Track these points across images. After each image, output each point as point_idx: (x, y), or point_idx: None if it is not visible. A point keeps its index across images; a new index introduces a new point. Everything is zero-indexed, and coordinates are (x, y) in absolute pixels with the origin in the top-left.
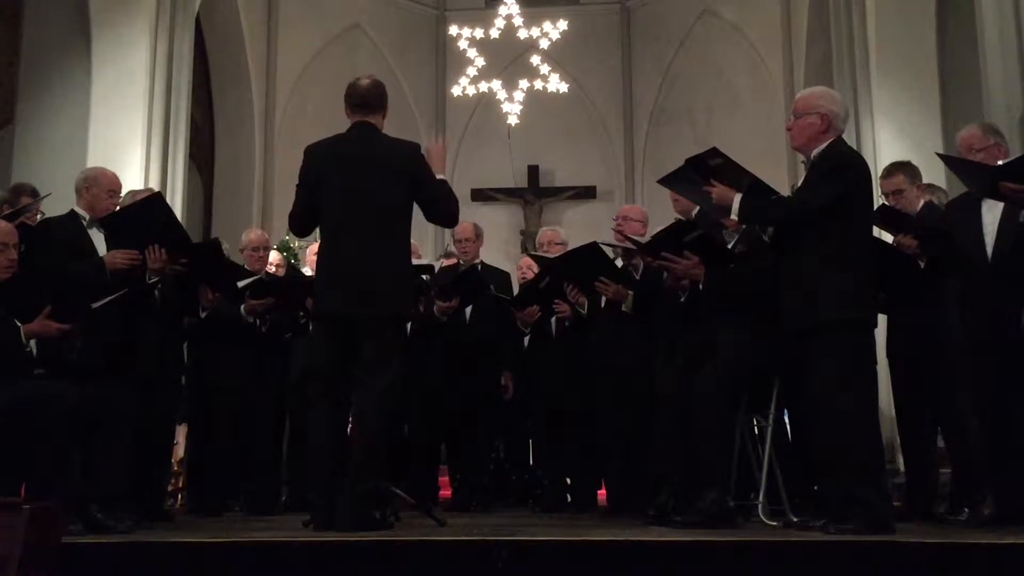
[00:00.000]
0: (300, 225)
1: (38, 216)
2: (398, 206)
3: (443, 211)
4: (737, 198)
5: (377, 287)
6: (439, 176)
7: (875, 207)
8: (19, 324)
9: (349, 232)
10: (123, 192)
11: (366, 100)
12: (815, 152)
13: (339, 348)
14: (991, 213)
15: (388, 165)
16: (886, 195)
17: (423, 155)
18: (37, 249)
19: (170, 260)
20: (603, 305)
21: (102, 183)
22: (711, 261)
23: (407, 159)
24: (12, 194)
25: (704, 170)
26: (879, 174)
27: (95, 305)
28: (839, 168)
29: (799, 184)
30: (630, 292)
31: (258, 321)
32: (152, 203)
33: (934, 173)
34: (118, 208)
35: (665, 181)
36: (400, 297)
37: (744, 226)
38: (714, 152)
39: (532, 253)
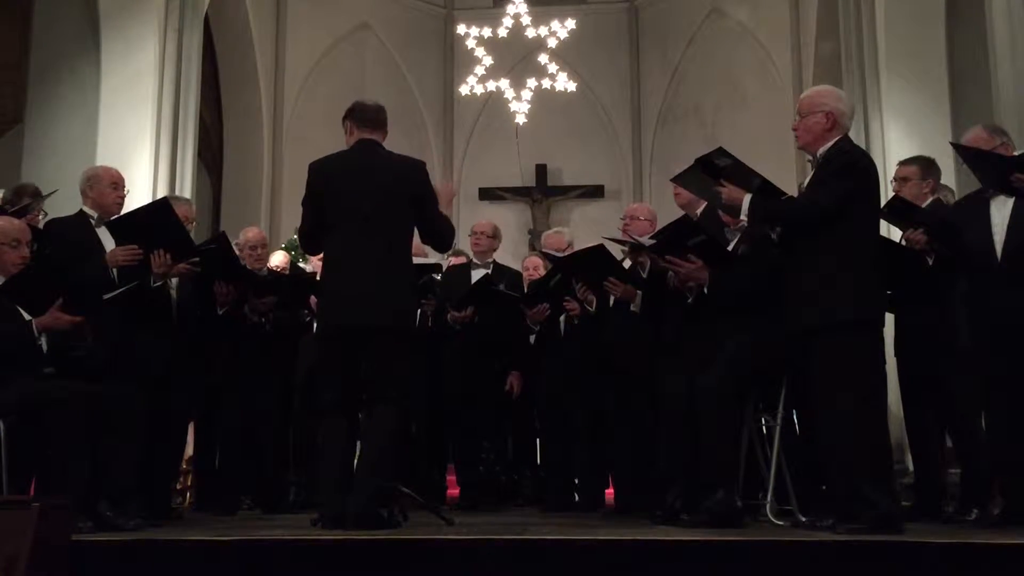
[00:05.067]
0: (310, 243)
1: (40, 216)
2: (401, 221)
3: (439, 234)
4: (746, 199)
5: (381, 299)
6: (442, 210)
7: (883, 205)
8: (30, 318)
9: (352, 246)
10: (129, 188)
11: (372, 117)
12: (821, 151)
13: (347, 358)
14: (1000, 212)
15: (391, 180)
16: (894, 181)
17: (427, 174)
18: (46, 249)
19: (175, 265)
20: (611, 304)
21: (103, 178)
22: (715, 264)
23: (410, 175)
24: (14, 195)
25: (713, 170)
26: (888, 172)
27: (107, 296)
28: (847, 167)
29: (807, 183)
30: (639, 292)
31: (263, 320)
32: (158, 209)
33: (944, 171)
34: (125, 212)
35: (677, 179)
36: (404, 309)
37: (745, 225)
38: (721, 152)
39: (543, 250)
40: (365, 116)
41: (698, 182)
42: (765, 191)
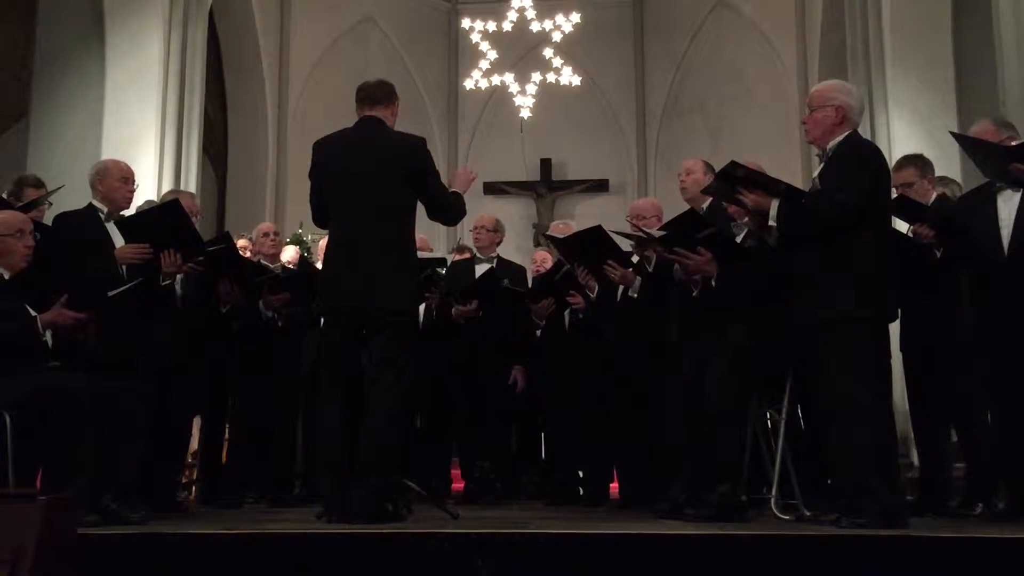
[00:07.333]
0: (316, 217)
1: (45, 206)
2: (399, 197)
3: (444, 210)
4: (774, 204)
5: (379, 279)
6: (455, 189)
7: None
8: (35, 314)
9: (350, 224)
10: (137, 182)
11: (371, 94)
12: (830, 145)
13: (349, 343)
14: (1007, 206)
15: (387, 157)
16: (896, 188)
17: (427, 150)
18: (54, 243)
19: (184, 264)
20: (618, 299)
21: (113, 172)
22: (723, 258)
23: (407, 151)
24: (16, 186)
25: (735, 181)
26: (893, 166)
27: (111, 294)
28: (864, 163)
29: (817, 176)
30: (638, 276)
31: (275, 316)
32: (168, 209)
33: (949, 165)
34: (136, 211)
35: (707, 191)
36: (403, 289)
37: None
38: (734, 165)
39: (547, 234)
40: (362, 94)
41: (724, 194)
42: (791, 196)
